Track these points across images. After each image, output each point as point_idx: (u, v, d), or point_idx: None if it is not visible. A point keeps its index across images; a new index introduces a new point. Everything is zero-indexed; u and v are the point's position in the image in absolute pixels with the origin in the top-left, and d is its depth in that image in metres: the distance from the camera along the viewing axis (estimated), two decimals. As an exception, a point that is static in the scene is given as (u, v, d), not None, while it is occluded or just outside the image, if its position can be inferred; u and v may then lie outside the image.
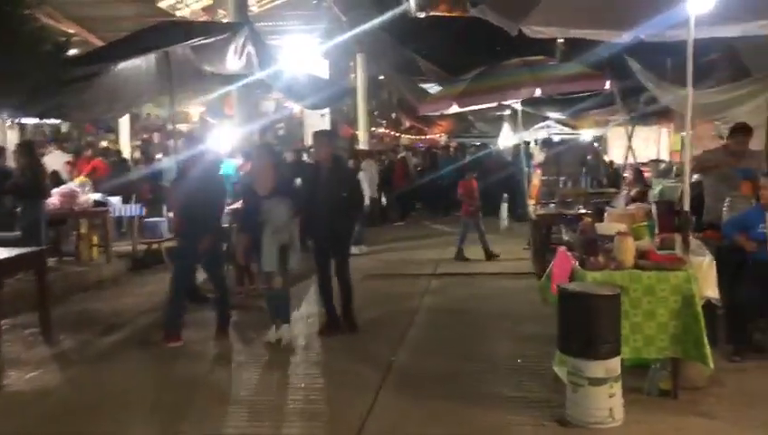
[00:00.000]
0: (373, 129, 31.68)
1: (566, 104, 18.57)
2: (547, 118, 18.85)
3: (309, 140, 23.61)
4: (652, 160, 16.44)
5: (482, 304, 8.24)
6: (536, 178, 11.08)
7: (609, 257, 5.36)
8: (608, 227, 5.70)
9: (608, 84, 10.13)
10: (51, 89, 8.75)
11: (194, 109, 28.37)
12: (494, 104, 12.04)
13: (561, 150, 9.18)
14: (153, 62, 10.18)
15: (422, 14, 11.58)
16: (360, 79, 26.08)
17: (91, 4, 21.08)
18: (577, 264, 5.47)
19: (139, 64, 10.18)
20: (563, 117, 19.07)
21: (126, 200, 11.92)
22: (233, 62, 9.76)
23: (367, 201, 12.24)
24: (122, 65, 9.75)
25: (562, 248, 6.36)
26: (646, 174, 14.41)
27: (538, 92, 9.72)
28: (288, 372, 6.21)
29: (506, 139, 23.17)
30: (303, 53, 23.51)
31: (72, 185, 10.88)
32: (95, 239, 11.22)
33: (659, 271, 5.15)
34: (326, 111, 23.04)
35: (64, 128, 29.80)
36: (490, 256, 11.02)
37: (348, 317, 7.32)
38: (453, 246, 12.69)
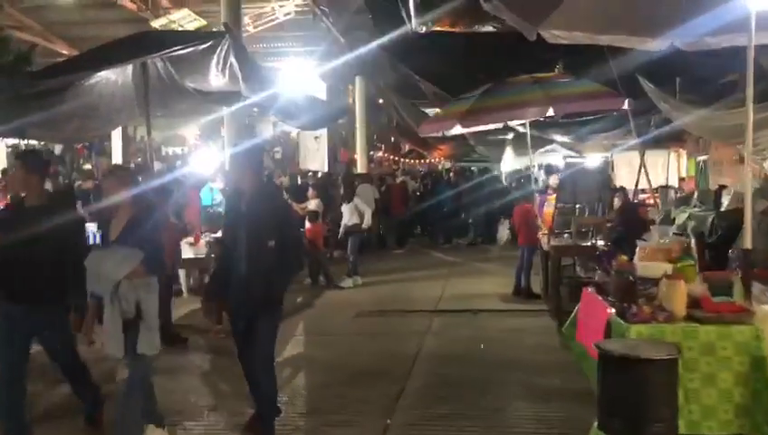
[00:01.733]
0: (372, 153, 30.74)
1: (571, 127, 17.64)
2: (552, 141, 17.87)
3: (305, 164, 22.67)
4: (662, 187, 15.38)
5: (491, 350, 7.11)
6: (548, 206, 10.01)
7: (654, 306, 4.29)
8: (650, 267, 4.62)
9: (626, 104, 9.10)
10: (11, 104, 7.77)
11: (189, 131, 27.47)
12: (500, 125, 11.01)
13: (577, 175, 8.09)
14: (129, 76, 9.18)
15: (423, 29, 10.70)
16: (358, 102, 25.18)
17: (83, 24, 20.28)
18: (614, 313, 4.38)
19: (114, 79, 9.18)
20: (568, 140, 18.11)
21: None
22: (216, 77, 8.73)
23: (366, 225, 11.17)
24: (95, 79, 8.76)
25: (590, 290, 5.28)
26: (651, 201, 13.38)
27: (551, 111, 8.68)
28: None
29: (509, 163, 22.22)
30: (300, 74, 22.68)
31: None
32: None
33: (720, 325, 4.07)
34: (321, 133, 22.13)
35: (57, 150, 28.93)
36: (530, 293, 9.70)
37: None
38: (455, 279, 11.62)
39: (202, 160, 13.33)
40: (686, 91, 15.37)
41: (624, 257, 4.86)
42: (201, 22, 19.40)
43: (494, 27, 9.48)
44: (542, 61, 10.91)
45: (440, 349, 7.25)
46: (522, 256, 9.83)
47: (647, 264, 4.71)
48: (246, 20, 21.00)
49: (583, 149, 19.15)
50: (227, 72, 8.57)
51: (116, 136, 22.13)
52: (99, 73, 8.84)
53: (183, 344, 7.70)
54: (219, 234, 9.43)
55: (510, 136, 20.59)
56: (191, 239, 8.70)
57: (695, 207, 9.37)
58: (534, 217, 9.85)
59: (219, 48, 8.15)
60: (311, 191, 12.26)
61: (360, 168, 24.34)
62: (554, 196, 10.58)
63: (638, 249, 5.56)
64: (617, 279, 4.57)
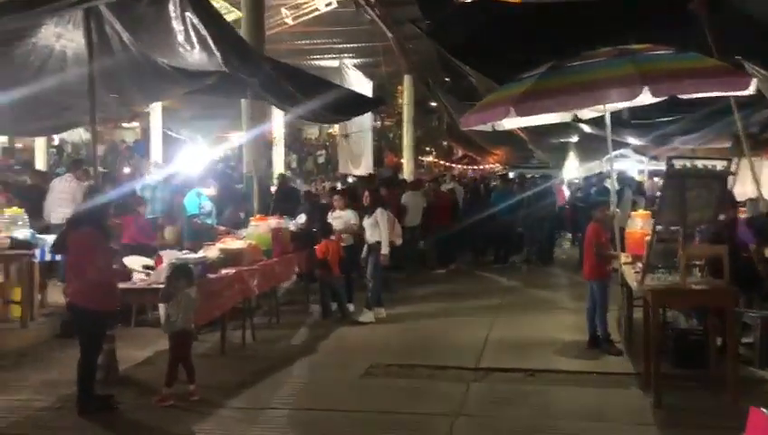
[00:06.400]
0: (421, 158, 28.00)
1: (644, 129, 14.58)
2: (625, 144, 14.78)
3: (347, 168, 20.16)
4: (750, 200, 12.15)
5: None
6: (631, 224, 7.16)
7: None
8: None
9: (752, 86, 6.18)
10: None
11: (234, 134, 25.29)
12: (568, 116, 8.15)
13: (687, 184, 5.24)
14: (83, 50, 6.72)
15: None
16: (406, 102, 22.57)
17: None
18: None
19: (60, 51, 6.73)
20: (643, 143, 15.01)
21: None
22: (184, 45, 6.24)
23: (384, 250, 8.41)
24: (25, 47, 6.33)
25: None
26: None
27: (645, 94, 5.86)
28: None
29: (571, 170, 19.25)
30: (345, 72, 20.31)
31: (-23, 219, 7.49)
32: (17, 293, 7.84)
33: None
34: (364, 134, 19.62)
35: (100, 151, 27.22)
36: (610, 347, 6.81)
37: None
38: (507, 314, 8.80)
39: (189, 160, 10.85)
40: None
41: None
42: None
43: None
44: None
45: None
46: (591, 294, 6.99)
47: None
48: (285, 11, 18.73)
49: (660, 155, 16.05)
50: (194, 36, 6.08)
51: (156, 134, 20.19)
52: (34, 42, 6.50)
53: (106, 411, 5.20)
54: (201, 253, 6.97)
55: (574, 139, 17.58)
56: (142, 265, 6.22)
57: None
58: (607, 241, 6.98)
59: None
60: (338, 200, 9.61)
61: (407, 173, 21.69)
62: (641, 211, 7.74)
63: None
64: None
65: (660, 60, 6.23)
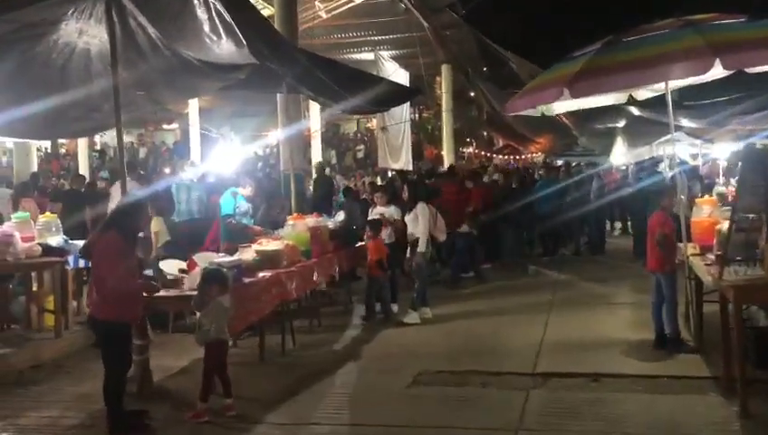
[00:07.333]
0: (462, 149, 27.36)
1: (697, 110, 13.72)
2: (677, 127, 13.92)
3: (386, 163, 19.65)
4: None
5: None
6: (697, 212, 6.51)
7: None
8: None
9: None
10: None
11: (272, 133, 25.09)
12: (623, 96, 7.46)
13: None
14: (107, 47, 6.35)
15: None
16: (445, 93, 21.98)
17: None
18: None
19: (83, 48, 6.38)
20: (698, 126, 14.14)
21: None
22: (211, 35, 5.84)
23: (420, 248, 7.88)
24: (44, 46, 5.98)
25: None
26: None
27: (717, 67, 5.23)
28: None
29: (619, 157, 18.37)
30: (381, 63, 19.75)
31: (8, 224, 7.21)
32: (50, 301, 7.57)
33: None
34: (403, 127, 19.08)
35: (142, 153, 27.34)
36: (680, 345, 6.20)
37: None
38: (562, 311, 8.20)
39: (221, 160, 10.48)
40: None
41: None
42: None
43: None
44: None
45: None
46: (656, 288, 6.36)
47: None
48: (318, 5, 18.30)
49: (716, 137, 15.13)
50: (219, 24, 5.68)
51: (194, 135, 20.07)
52: (55, 38, 6.16)
53: (138, 428, 4.84)
54: (237, 256, 6.57)
55: (621, 124, 16.76)
56: (176, 269, 5.85)
57: None
58: (672, 232, 6.33)
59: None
60: (380, 197, 9.11)
61: (447, 166, 21.13)
62: (707, 198, 7.08)
63: None
64: None
65: (731, 29, 5.58)
